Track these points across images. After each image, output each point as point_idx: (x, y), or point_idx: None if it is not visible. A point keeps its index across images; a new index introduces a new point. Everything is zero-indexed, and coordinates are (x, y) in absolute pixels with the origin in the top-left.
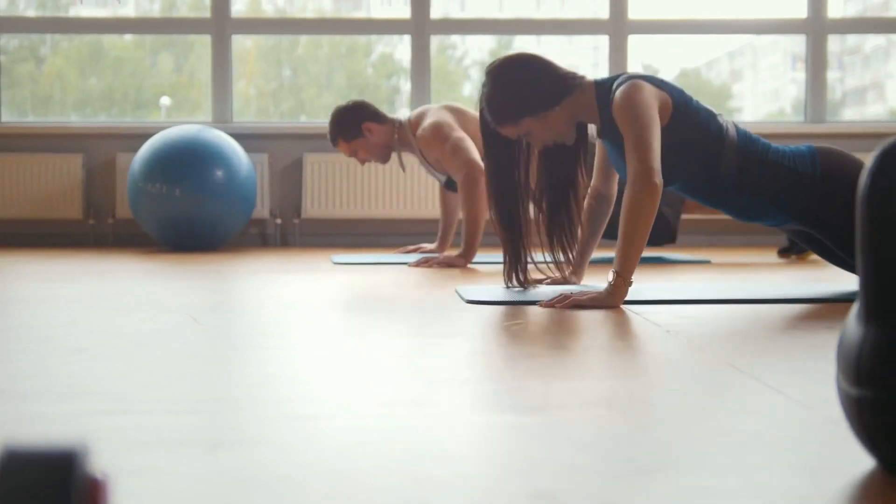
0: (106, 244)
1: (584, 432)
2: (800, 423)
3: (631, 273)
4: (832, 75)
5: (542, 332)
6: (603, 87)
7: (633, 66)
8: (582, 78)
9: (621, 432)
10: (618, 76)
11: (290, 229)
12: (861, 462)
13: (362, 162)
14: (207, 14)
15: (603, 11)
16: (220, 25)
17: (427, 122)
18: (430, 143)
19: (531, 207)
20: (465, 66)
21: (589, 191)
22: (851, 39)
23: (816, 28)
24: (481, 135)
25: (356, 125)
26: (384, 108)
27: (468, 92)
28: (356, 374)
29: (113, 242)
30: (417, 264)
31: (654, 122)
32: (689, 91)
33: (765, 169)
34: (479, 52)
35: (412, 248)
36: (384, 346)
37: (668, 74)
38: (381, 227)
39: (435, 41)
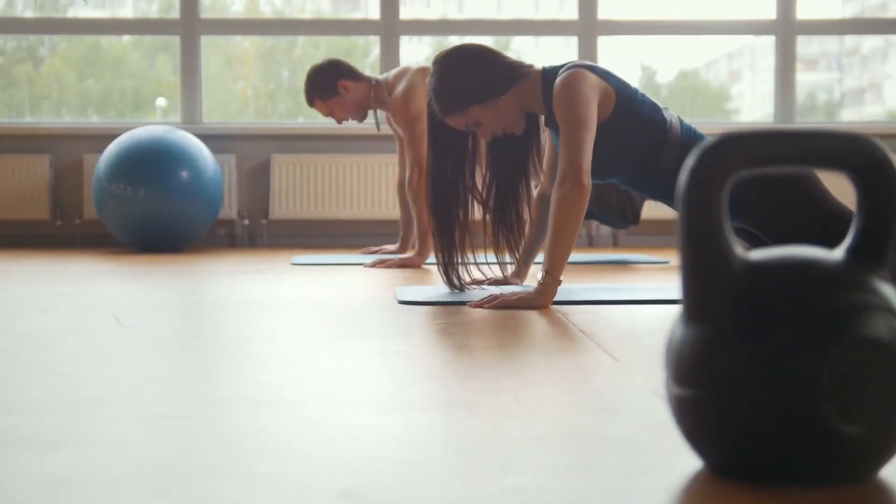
0: (73, 245)
1: (432, 432)
2: (659, 423)
3: (560, 272)
4: (830, 76)
5: (455, 332)
6: (549, 76)
7: (628, 66)
8: (530, 67)
9: (472, 432)
10: (564, 65)
11: (258, 230)
12: (693, 463)
13: (339, 121)
14: (177, 15)
15: (572, 12)
16: (189, 26)
17: (402, 86)
18: (398, 113)
19: (472, 209)
20: None
21: (537, 190)
22: (849, 41)
23: (786, 29)
24: (428, 128)
25: (332, 83)
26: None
27: None
28: (242, 374)
29: (80, 243)
30: (373, 265)
31: (590, 119)
32: (689, 93)
33: None
34: None
35: (374, 248)
36: (290, 346)
37: (666, 75)
38: (349, 228)
39: (433, 42)
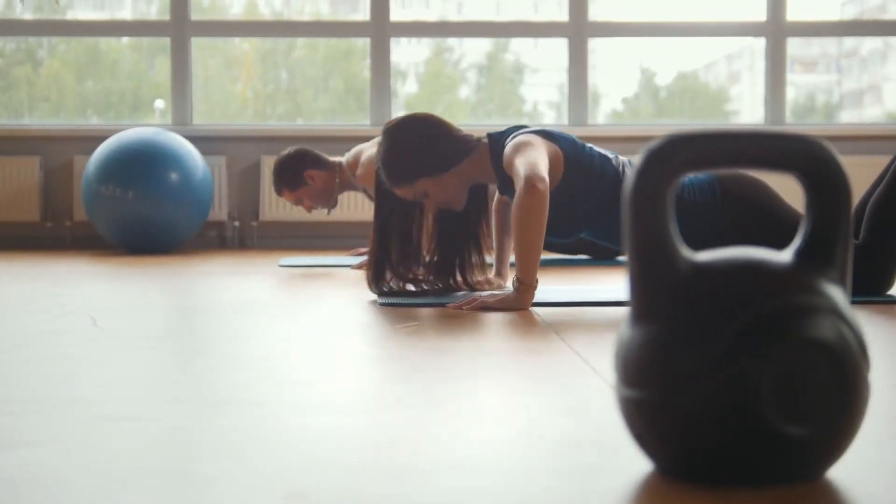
0: (64, 247)
1: (395, 434)
2: (618, 425)
3: (532, 277)
4: (830, 78)
5: (430, 334)
6: (496, 143)
7: (627, 68)
8: (477, 140)
9: (434, 433)
10: (509, 131)
11: (249, 232)
12: (644, 464)
13: (308, 210)
14: (168, 17)
15: (563, 14)
16: (179, 28)
17: (364, 157)
18: (371, 177)
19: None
20: (462, 69)
21: (496, 197)
22: (848, 42)
23: (776, 31)
24: (375, 194)
25: (299, 174)
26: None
27: (465, 94)
28: (208, 376)
29: (71, 245)
30: (359, 266)
31: (541, 157)
32: (688, 94)
33: None
34: (475, 54)
35: (363, 249)
36: (263, 347)
37: (665, 77)
38: (339, 230)
39: (433, 44)
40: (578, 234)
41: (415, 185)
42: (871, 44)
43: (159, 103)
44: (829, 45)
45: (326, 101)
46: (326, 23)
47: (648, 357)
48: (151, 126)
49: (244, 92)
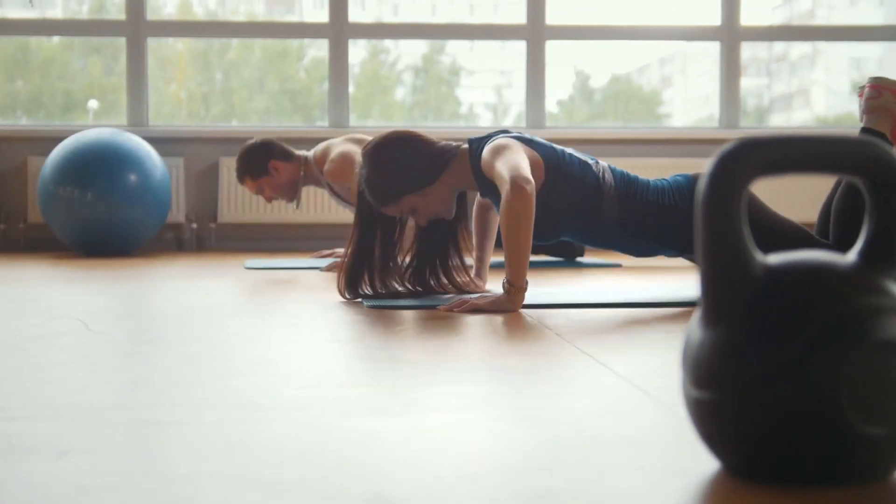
0: (17, 249)
1: (444, 435)
2: (658, 424)
3: (521, 279)
4: (760, 82)
5: (425, 337)
6: (475, 150)
7: (562, 71)
8: (457, 148)
9: (482, 435)
10: (489, 136)
11: (207, 234)
12: (708, 463)
13: (268, 200)
14: (123, 16)
15: (521, 16)
16: (136, 28)
17: (334, 153)
18: (341, 173)
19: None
20: (398, 70)
21: (476, 199)
22: (778, 47)
23: (731, 35)
24: (358, 214)
25: (263, 164)
26: (316, 113)
27: (400, 96)
28: (226, 379)
29: (24, 248)
30: (329, 269)
31: (522, 158)
32: (622, 97)
33: (646, 210)
34: (411, 56)
35: (327, 252)
36: (264, 350)
37: (599, 80)
38: (298, 232)
39: (369, 46)
40: (560, 237)
41: (401, 202)
42: (800, 48)
43: (93, 103)
44: (760, 49)
45: (261, 101)
46: (284, 24)
47: (722, 359)
48: (109, 127)
49: (177, 93)
